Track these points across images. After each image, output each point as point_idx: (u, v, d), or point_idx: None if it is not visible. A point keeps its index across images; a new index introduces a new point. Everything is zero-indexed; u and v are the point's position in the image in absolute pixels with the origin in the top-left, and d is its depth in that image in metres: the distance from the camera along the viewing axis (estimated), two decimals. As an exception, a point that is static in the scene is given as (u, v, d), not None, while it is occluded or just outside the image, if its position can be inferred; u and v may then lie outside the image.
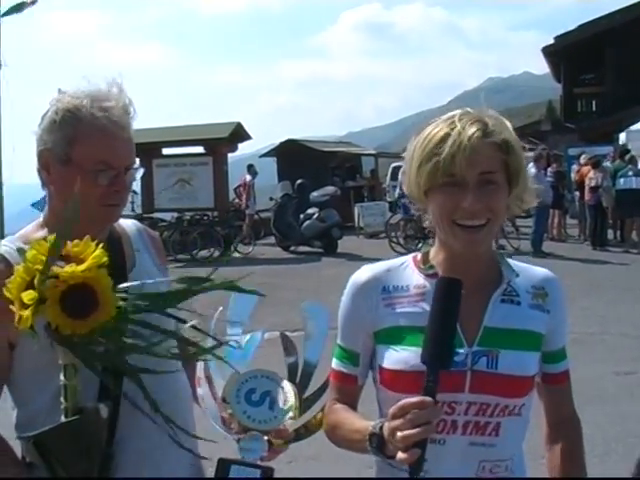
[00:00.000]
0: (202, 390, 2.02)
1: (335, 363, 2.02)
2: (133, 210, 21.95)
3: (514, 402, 1.83)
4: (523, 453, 1.96)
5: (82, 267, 1.55)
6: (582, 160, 19.68)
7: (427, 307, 1.80)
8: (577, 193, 19.99)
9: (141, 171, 2.09)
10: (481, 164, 1.77)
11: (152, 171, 20.62)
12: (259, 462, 1.91)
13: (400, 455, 1.58)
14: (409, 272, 1.96)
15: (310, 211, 19.53)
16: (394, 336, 1.88)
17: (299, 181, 20.80)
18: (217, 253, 18.81)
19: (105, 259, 1.60)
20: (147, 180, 20.76)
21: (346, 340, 2.00)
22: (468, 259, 1.88)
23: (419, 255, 2.00)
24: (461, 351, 1.81)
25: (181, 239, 18.96)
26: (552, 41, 33.63)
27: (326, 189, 20.76)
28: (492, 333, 1.85)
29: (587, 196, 18.31)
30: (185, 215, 20.05)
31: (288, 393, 1.94)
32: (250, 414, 1.91)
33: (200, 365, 2.02)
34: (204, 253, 18.79)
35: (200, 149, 21.02)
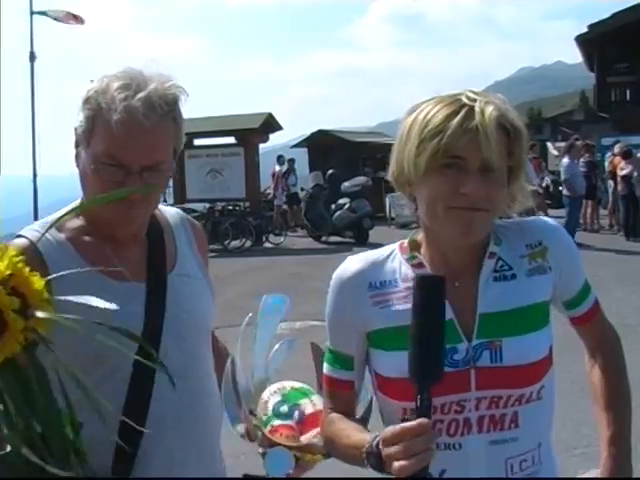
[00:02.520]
0: (226, 397, 1.87)
1: (326, 368, 1.81)
2: (165, 200, 22.12)
3: (529, 390, 1.65)
4: (550, 440, 1.77)
5: None
6: (616, 149, 19.45)
7: None
8: (611, 183, 19.78)
9: (168, 171, 1.86)
10: (488, 149, 1.56)
11: (184, 162, 20.76)
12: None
13: None
14: (396, 263, 1.75)
15: (341, 201, 19.50)
16: (385, 339, 1.69)
17: (330, 171, 20.78)
18: (249, 243, 18.88)
19: (9, 272, 1.17)
20: (179, 171, 20.90)
21: (336, 343, 1.79)
22: (459, 246, 1.69)
23: (406, 242, 1.78)
24: (460, 347, 1.64)
25: (213, 229, 19.05)
26: (586, 30, 33.28)
27: (357, 179, 20.72)
28: (490, 320, 1.66)
29: (619, 186, 18.12)
30: (217, 205, 20.11)
31: (318, 406, 1.75)
32: (278, 428, 1.75)
33: (227, 370, 1.88)
34: (236, 243, 18.85)
35: (232, 140, 21.09)
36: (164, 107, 1.77)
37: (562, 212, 17.35)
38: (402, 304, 1.68)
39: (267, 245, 19.47)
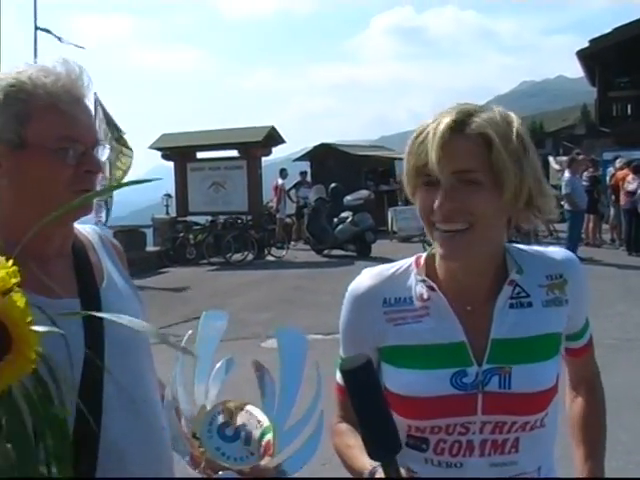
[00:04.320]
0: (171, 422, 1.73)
1: (339, 377, 1.78)
2: (168, 213, 22.16)
3: (534, 417, 1.67)
4: (553, 462, 1.79)
5: None
6: (618, 164, 19.42)
7: (432, 323, 1.69)
8: (612, 197, 19.73)
9: (107, 150, 1.78)
10: (454, 161, 1.54)
11: (187, 174, 20.79)
12: None
13: None
14: (412, 281, 1.76)
15: (344, 215, 19.50)
16: (396, 356, 1.71)
17: (333, 185, 20.81)
18: (251, 256, 18.88)
19: (14, 280, 0.94)
20: (181, 183, 20.92)
21: (348, 353, 1.77)
22: (463, 267, 1.69)
23: (423, 257, 1.79)
24: (470, 371, 1.65)
25: (215, 242, 19.10)
26: (587, 44, 33.36)
27: (360, 193, 20.76)
28: (502, 346, 1.66)
29: (622, 200, 18.08)
30: (219, 219, 20.13)
31: (265, 427, 1.64)
32: (224, 451, 1.63)
33: (168, 393, 1.72)
34: (238, 256, 18.84)
35: (234, 153, 21.11)
36: (82, 81, 1.71)
37: (564, 226, 17.34)
38: (415, 323, 1.71)
39: (269, 258, 19.45)
